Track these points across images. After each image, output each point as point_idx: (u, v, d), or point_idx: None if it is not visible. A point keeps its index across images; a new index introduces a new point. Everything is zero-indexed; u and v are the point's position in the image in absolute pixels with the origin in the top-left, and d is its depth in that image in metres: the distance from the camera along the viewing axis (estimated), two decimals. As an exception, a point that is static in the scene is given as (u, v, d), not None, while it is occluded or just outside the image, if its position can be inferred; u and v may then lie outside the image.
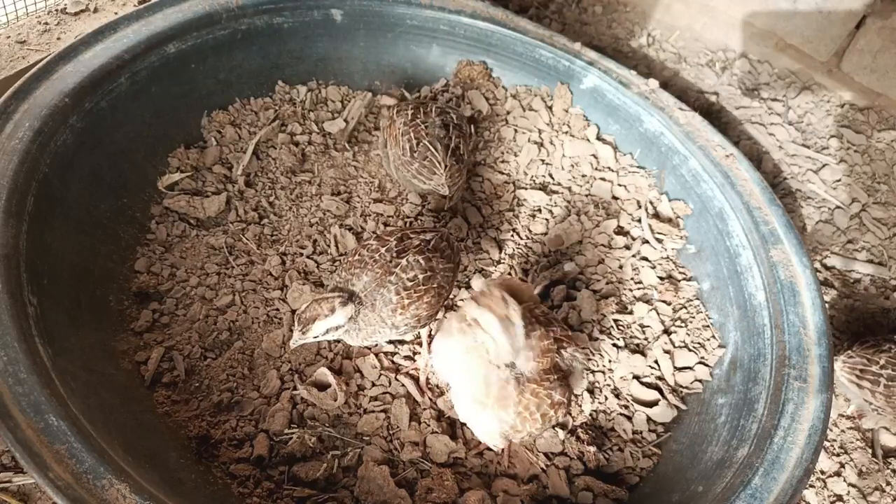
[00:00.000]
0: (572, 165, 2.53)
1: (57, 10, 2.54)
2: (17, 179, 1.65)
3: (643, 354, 2.05)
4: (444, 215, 2.29)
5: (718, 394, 1.92)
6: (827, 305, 2.18)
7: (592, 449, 1.81)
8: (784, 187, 2.73)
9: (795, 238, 2.02)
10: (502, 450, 1.78)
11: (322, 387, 1.81)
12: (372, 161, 2.44)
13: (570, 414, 1.89)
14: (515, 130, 2.60)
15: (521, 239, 2.29)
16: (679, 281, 2.24)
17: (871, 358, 2.02)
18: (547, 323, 1.56)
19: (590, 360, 2.01)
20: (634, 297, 2.19)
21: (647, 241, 2.31)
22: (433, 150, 2.12)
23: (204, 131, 2.36)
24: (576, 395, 1.93)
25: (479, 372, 1.45)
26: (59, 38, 2.44)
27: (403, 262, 1.65)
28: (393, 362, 1.92)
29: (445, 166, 2.11)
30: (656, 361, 2.04)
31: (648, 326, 2.12)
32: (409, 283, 1.63)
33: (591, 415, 1.92)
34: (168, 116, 2.24)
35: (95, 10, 2.60)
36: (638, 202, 2.44)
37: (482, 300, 1.44)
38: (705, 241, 2.26)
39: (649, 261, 2.28)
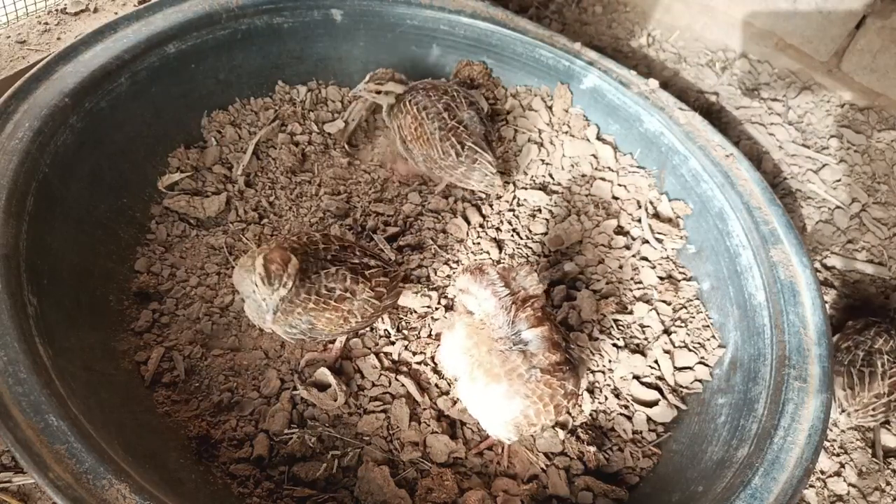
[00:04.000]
0: (572, 165, 2.53)
1: (57, 10, 2.54)
2: (17, 179, 1.65)
3: (643, 354, 2.05)
4: (444, 214, 2.29)
5: (718, 394, 1.92)
6: (827, 305, 2.18)
7: (592, 449, 1.81)
8: (784, 187, 2.73)
9: (795, 238, 2.01)
10: (502, 449, 1.78)
11: (322, 387, 1.81)
12: (372, 161, 2.44)
13: (571, 413, 1.89)
14: (515, 130, 2.60)
15: (521, 239, 2.29)
16: (679, 281, 2.24)
17: (878, 395, 1.97)
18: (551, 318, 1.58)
19: (589, 359, 2.01)
20: (634, 297, 2.19)
21: (647, 241, 2.31)
22: (481, 151, 2.16)
23: (204, 131, 2.36)
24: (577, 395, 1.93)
25: (487, 346, 1.49)
26: (59, 38, 2.44)
27: (332, 269, 1.61)
28: (393, 362, 1.92)
29: (497, 159, 2.17)
30: (656, 361, 2.04)
31: (648, 326, 2.12)
32: (324, 292, 1.59)
33: (591, 415, 1.92)
34: (168, 116, 2.24)
35: (95, 10, 2.60)
36: (638, 202, 2.44)
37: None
38: (705, 241, 2.25)
39: (649, 261, 2.28)
